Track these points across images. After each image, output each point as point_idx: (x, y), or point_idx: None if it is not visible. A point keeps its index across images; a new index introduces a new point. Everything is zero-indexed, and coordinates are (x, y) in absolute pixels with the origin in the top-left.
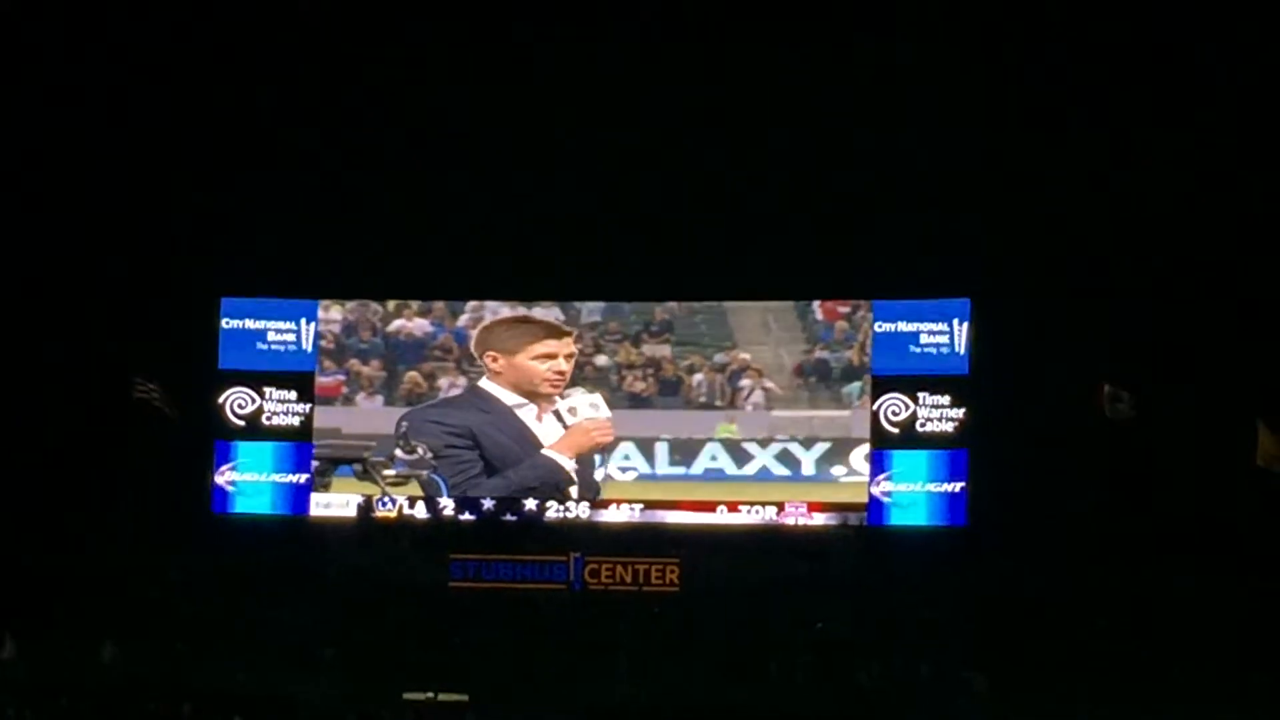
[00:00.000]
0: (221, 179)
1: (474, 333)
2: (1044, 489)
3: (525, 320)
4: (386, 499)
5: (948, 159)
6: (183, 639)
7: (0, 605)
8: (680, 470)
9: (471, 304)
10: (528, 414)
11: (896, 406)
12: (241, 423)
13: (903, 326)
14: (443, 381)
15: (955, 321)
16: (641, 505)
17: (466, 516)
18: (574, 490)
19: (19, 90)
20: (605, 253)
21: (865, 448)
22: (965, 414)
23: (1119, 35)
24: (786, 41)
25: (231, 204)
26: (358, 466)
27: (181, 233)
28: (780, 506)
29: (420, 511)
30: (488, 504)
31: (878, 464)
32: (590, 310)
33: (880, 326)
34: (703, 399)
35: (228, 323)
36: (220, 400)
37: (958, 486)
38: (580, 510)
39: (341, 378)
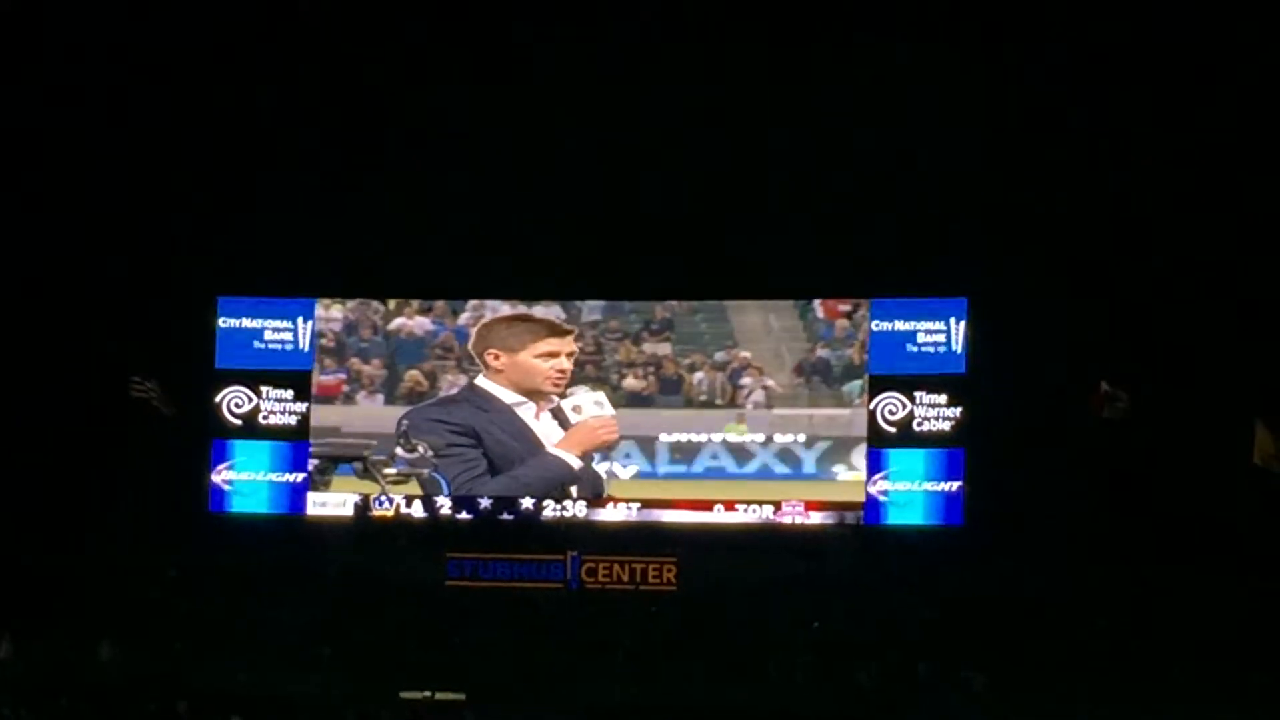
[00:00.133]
0: (220, 178)
1: (472, 331)
2: (1041, 488)
3: (526, 318)
4: (384, 498)
5: (946, 159)
6: (180, 638)
7: None
8: (681, 468)
9: (473, 302)
10: (526, 412)
11: (893, 405)
12: (238, 422)
13: (900, 325)
14: (444, 380)
15: (952, 320)
16: (639, 504)
17: (464, 515)
18: (580, 488)
19: (18, 90)
20: (606, 252)
21: (865, 446)
22: (962, 413)
23: (1119, 35)
24: (786, 41)
25: (230, 203)
26: (358, 465)
27: (180, 232)
28: (777, 505)
29: (417, 510)
30: (485, 503)
31: (874, 463)
32: (591, 309)
33: (877, 325)
34: (703, 397)
35: (224, 322)
36: (217, 399)
37: (955, 486)
38: (577, 509)
39: (342, 376)
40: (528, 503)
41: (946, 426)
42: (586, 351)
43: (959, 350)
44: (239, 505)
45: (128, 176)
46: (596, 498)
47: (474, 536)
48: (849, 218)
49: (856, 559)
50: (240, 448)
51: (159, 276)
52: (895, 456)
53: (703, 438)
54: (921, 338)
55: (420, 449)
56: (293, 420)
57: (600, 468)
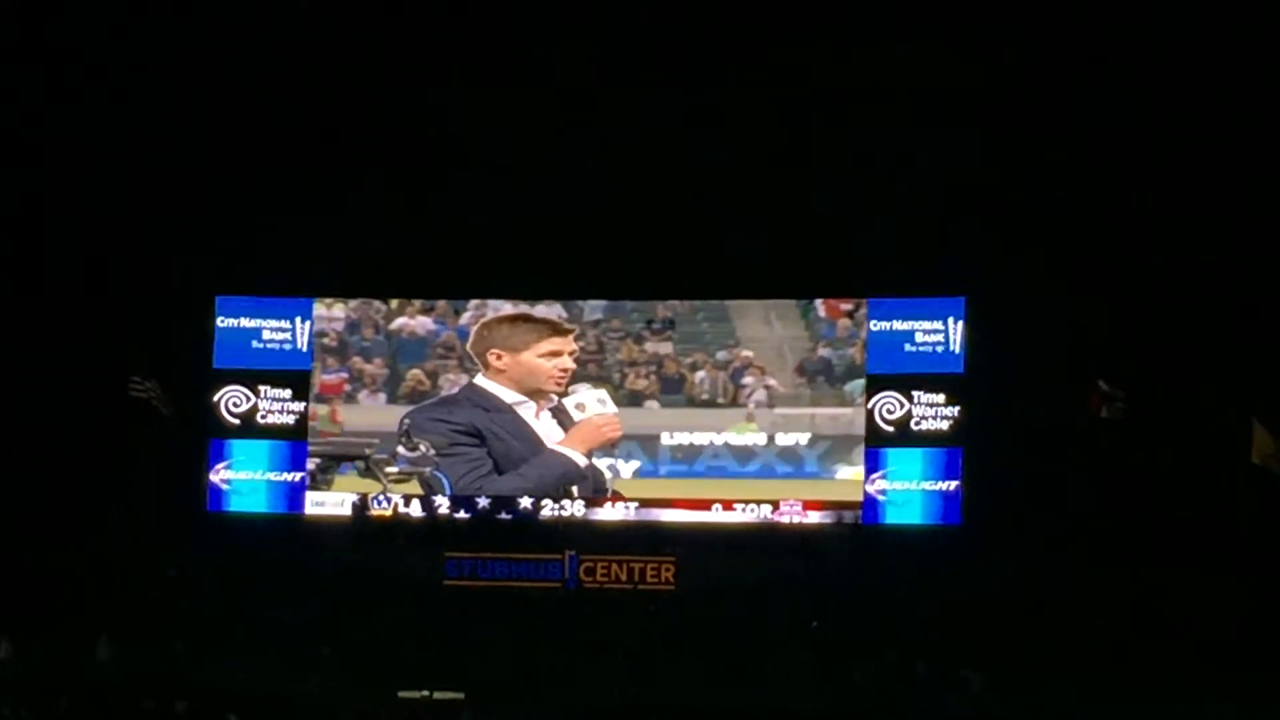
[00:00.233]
0: (220, 178)
1: (472, 331)
2: (1038, 488)
3: (528, 318)
4: (382, 497)
5: (945, 159)
6: (178, 637)
7: None
8: (682, 467)
9: (474, 301)
10: (526, 411)
11: (891, 405)
12: (236, 421)
13: (898, 325)
14: (445, 379)
15: (950, 320)
16: (637, 503)
17: (462, 515)
18: (584, 486)
19: (18, 90)
20: (607, 251)
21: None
22: (960, 412)
23: (1119, 35)
24: (786, 41)
25: (229, 203)
26: (360, 464)
27: (180, 233)
28: (775, 505)
29: (415, 510)
30: (483, 502)
31: (872, 462)
32: (593, 308)
33: (875, 325)
34: (705, 396)
35: (222, 321)
36: (215, 399)
37: (952, 485)
38: (576, 508)
39: (344, 375)
40: (526, 502)
41: (944, 426)
42: (588, 351)
43: (957, 350)
44: (237, 505)
45: (127, 177)
46: (600, 495)
47: (472, 536)
48: (846, 217)
49: (855, 558)
50: (238, 447)
51: (158, 276)
52: (893, 456)
53: (705, 440)
54: (920, 337)
55: (422, 448)
56: (291, 420)
57: (602, 465)
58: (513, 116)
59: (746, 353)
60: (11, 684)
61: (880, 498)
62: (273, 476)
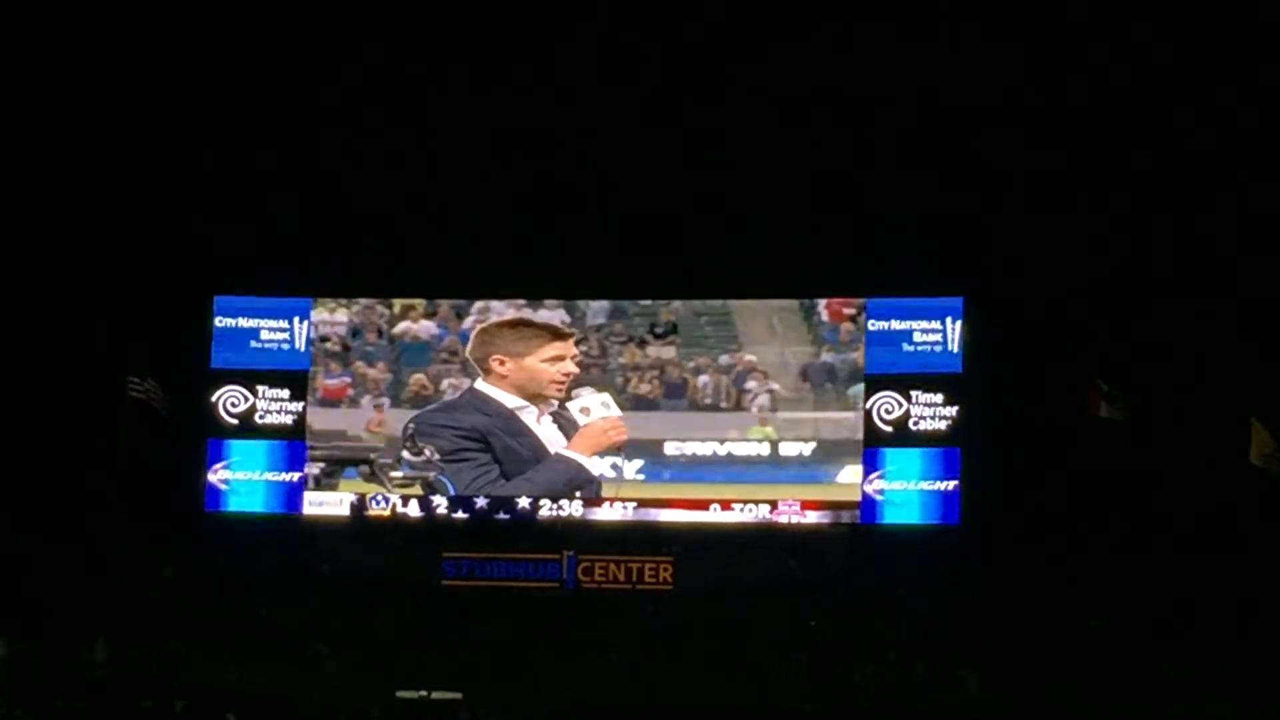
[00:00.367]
0: (219, 178)
1: (471, 336)
2: (1037, 487)
3: (527, 323)
4: (380, 497)
5: (944, 159)
6: (176, 637)
7: None
8: (686, 471)
9: (478, 305)
10: (528, 416)
11: (889, 405)
12: (234, 421)
13: (896, 325)
14: (448, 384)
15: (948, 320)
16: (635, 504)
17: (460, 515)
18: (591, 489)
19: (18, 90)
20: (607, 251)
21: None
22: (958, 412)
23: (1119, 36)
24: (787, 41)
25: (229, 203)
26: (364, 468)
27: (180, 233)
28: (773, 505)
29: (413, 510)
30: (481, 502)
31: (871, 462)
32: (595, 312)
33: (874, 324)
34: (708, 400)
35: (221, 321)
36: (213, 399)
37: (950, 485)
38: (574, 509)
39: (347, 380)
40: (524, 502)
41: (943, 426)
42: (591, 355)
43: (955, 350)
44: (235, 505)
45: (127, 177)
46: (601, 497)
47: (470, 536)
48: (846, 216)
49: (852, 558)
50: (236, 447)
51: (156, 276)
52: (891, 456)
53: (708, 450)
54: (918, 337)
55: (427, 452)
56: (289, 420)
57: (608, 468)
58: (513, 116)
59: (749, 357)
60: (9, 683)
61: (878, 498)
62: (271, 476)
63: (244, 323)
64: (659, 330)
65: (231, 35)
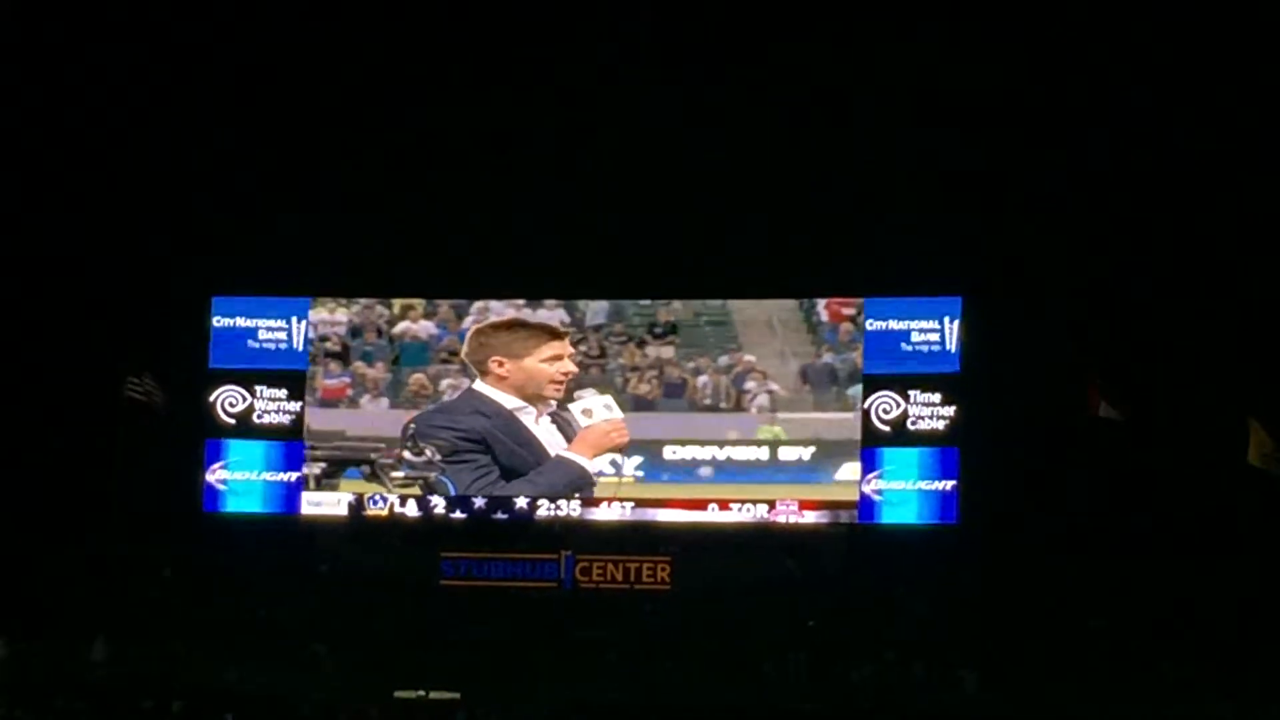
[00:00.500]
0: (218, 178)
1: (467, 337)
2: (1035, 487)
3: (523, 324)
4: (378, 497)
5: (944, 159)
6: (174, 637)
7: None
8: (686, 470)
9: (478, 305)
10: (527, 417)
11: (887, 404)
12: (232, 421)
13: (894, 324)
14: (447, 384)
15: (946, 319)
16: (633, 503)
17: (458, 515)
18: (590, 489)
19: (18, 90)
20: (606, 251)
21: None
22: (956, 412)
23: (1119, 35)
24: (787, 41)
25: (227, 203)
26: (365, 468)
27: (178, 233)
28: (771, 504)
29: (411, 510)
30: (479, 502)
31: (869, 462)
32: (594, 312)
33: (871, 324)
34: (707, 401)
35: (219, 321)
36: (211, 399)
37: (949, 485)
38: (572, 508)
39: (347, 380)
40: (522, 502)
41: (941, 425)
42: (590, 355)
43: (953, 349)
44: (233, 505)
45: (126, 177)
46: (596, 497)
47: (468, 536)
48: (845, 216)
49: (851, 558)
50: (234, 447)
51: (155, 276)
52: (889, 455)
53: (707, 454)
54: (916, 337)
55: (428, 453)
56: (287, 420)
57: (608, 468)
58: (513, 116)
59: (749, 357)
60: (9, 683)
61: (876, 497)
62: (269, 476)
63: (242, 323)
64: (658, 330)
65: (231, 35)
